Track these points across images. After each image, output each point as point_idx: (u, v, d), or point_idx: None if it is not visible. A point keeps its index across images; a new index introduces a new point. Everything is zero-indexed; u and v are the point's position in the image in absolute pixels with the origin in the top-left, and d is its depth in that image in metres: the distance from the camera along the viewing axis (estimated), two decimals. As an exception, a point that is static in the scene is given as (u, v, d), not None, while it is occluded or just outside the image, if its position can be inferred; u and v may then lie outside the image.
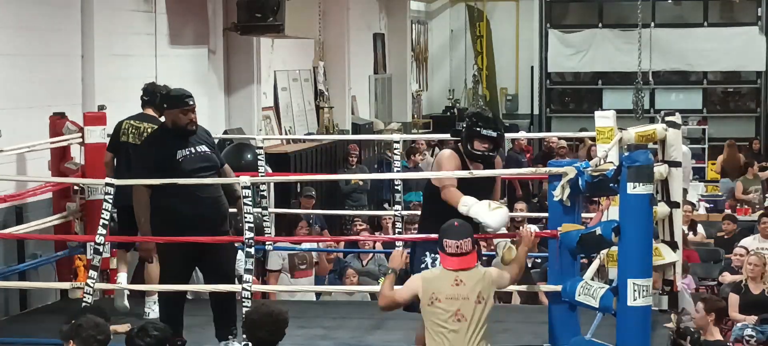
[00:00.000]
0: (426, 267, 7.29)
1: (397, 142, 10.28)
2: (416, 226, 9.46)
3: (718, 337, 9.50)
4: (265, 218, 10.40)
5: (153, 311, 9.22)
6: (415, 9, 24.88)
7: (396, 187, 10.11)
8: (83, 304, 7.79)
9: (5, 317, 10.01)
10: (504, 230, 7.99)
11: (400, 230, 10.08)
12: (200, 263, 8.26)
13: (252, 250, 7.68)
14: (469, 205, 7.20)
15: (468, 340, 6.66)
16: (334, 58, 19.10)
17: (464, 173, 7.41)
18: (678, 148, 8.10)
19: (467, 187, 7.34)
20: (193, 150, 8.08)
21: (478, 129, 7.39)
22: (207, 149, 8.17)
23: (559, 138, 19.14)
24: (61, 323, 6.58)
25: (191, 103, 8.07)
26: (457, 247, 6.76)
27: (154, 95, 9.39)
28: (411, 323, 7.57)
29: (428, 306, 6.76)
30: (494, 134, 7.39)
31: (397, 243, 10.28)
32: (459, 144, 7.54)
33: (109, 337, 6.23)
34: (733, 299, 11.65)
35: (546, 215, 7.84)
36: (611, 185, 6.93)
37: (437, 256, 7.02)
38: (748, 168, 19.42)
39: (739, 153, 21.84)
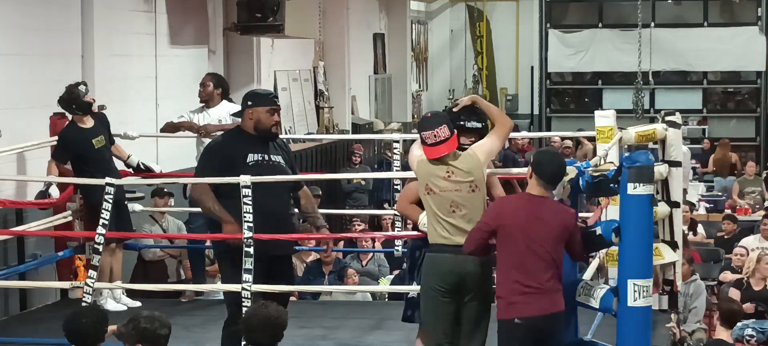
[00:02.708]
0: (420, 262, 7.17)
1: (397, 141, 10.23)
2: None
3: (724, 337, 9.48)
4: None
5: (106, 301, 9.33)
6: (415, 9, 24.87)
7: (396, 187, 10.07)
8: (82, 303, 7.80)
9: (5, 317, 10.01)
10: None
11: (400, 229, 10.06)
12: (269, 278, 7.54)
13: (251, 249, 7.59)
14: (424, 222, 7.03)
15: (465, 226, 6.81)
16: (334, 58, 19.10)
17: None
18: (678, 148, 8.10)
19: None
20: (266, 157, 7.39)
21: (461, 122, 7.12)
22: (282, 161, 7.45)
23: (562, 138, 19.08)
24: (93, 322, 6.35)
25: (278, 103, 7.38)
26: (435, 136, 6.89)
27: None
28: (411, 324, 7.55)
29: (426, 195, 6.92)
30: (479, 126, 7.20)
31: (396, 242, 10.29)
32: None
33: (170, 326, 6.22)
34: (735, 294, 11.67)
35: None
36: (611, 185, 6.93)
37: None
38: (744, 167, 19.44)
39: (732, 153, 21.94)
